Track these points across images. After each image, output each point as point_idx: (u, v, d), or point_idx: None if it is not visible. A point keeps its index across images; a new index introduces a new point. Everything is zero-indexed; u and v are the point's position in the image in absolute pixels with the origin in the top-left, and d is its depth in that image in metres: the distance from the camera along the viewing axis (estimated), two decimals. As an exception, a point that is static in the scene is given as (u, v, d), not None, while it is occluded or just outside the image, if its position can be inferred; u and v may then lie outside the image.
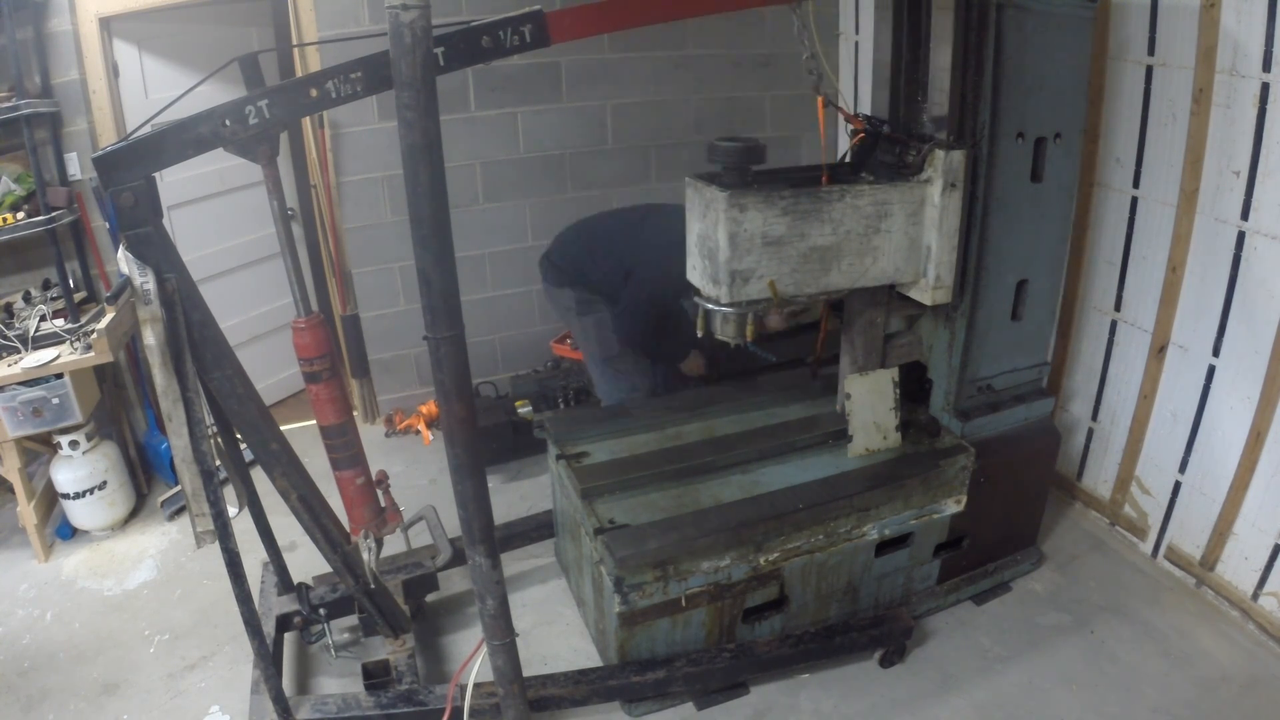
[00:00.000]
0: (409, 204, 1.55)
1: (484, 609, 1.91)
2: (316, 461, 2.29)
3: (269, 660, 2.19)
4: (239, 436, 2.20)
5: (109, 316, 3.12)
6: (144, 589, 3.08)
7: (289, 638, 2.71)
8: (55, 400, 3.04)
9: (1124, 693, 2.48)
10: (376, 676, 2.43)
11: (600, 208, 4.20)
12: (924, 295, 2.43)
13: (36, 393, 3.01)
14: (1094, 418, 3.25)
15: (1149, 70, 2.76)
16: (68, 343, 3.06)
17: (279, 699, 2.20)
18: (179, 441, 1.89)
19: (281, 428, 2.17)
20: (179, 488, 3.46)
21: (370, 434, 4.00)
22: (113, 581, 3.13)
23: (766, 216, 2.17)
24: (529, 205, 4.10)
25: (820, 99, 2.29)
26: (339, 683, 2.60)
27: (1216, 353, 2.70)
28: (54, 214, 3.15)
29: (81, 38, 3.28)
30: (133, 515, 3.50)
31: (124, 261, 1.76)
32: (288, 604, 2.65)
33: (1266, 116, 2.41)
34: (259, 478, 2.32)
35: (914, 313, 2.65)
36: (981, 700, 2.47)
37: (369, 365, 4.12)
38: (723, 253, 2.18)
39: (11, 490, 3.21)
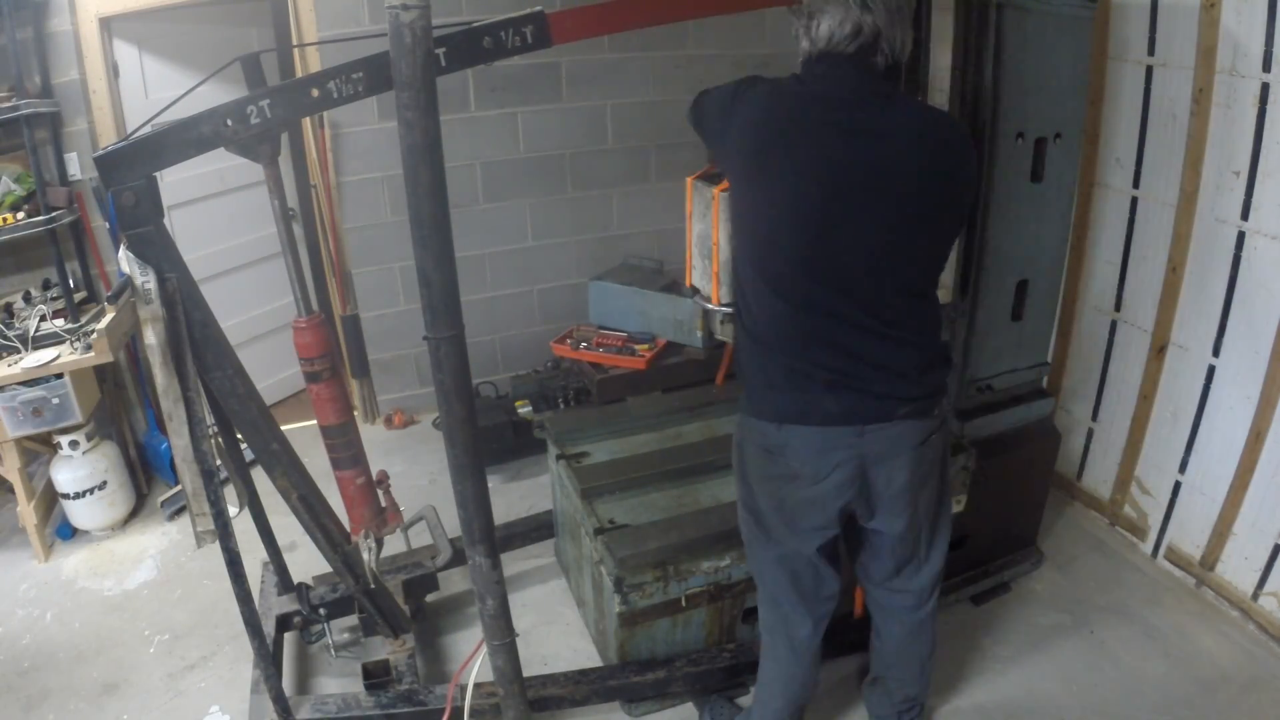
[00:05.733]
0: (409, 204, 1.55)
1: (484, 609, 1.91)
2: (317, 461, 2.29)
3: (269, 660, 2.19)
4: (239, 436, 2.20)
5: (109, 316, 3.12)
6: (144, 589, 3.08)
7: (289, 638, 2.71)
8: (55, 400, 3.04)
9: (1124, 693, 2.48)
10: (376, 676, 2.43)
11: (600, 208, 4.23)
12: (924, 295, 2.43)
13: (36, 393, 3.01)
14: (1094, 418, 3.25)
15: (1149, 70, 2.76)
16: (68, 343, 3.06)
17: (279, 699, 2.20)
18: (180, 441, 1.89)
19: (282, 427, 2.17)
20: (179, 488, 3.47)
21: (371, 434, 4.00)
22: (113, 581, 3.13)
23: (767, 216, 2.17)
24: (529, 205, 4.10)
25: None
26: (339, 683, 2.60)
27: (1216, 353, 2.70)
28: (54, 214, 3.15)
29: (81, 38, 3.28)
30: (133, 515, 3.50)
31: (125, 261, 1.76)
32: (288, 604, 2.65)
33: (1266, 116, 2.41)
34: (259, 477, 2.32)
35: (914, 313, 2.65)
36: (981, 700, 2.47)
37: (369, 365, 4.12)
38: (722, 253, 2.17)
39: (11, 490, 3.21)
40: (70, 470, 3.24)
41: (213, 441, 2.04)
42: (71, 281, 3.27)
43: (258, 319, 4.22)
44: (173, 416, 1.86)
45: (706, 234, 2.23)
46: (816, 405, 1.76)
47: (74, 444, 3.23)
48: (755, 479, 1.92)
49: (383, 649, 2.56)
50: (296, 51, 3.58)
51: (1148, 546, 3.05)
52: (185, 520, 3.45)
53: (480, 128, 3.87)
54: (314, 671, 2.68)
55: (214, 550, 2.02)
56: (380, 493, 2.35)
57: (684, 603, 2.38)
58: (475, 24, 1.79)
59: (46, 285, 3.32)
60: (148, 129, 1.71)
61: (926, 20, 2.35)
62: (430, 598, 2.89)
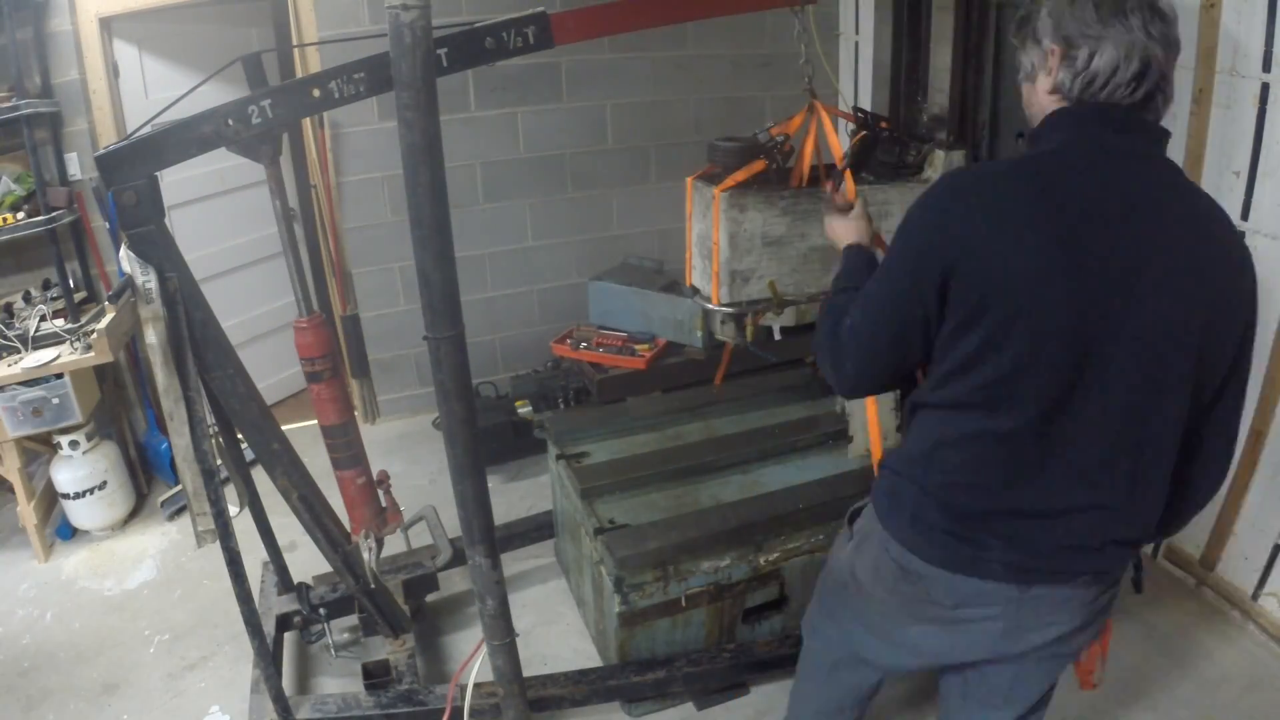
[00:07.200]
0: (409, 204, 1.55)
1: (484, 609, 1.91)
2: (317, 461, 2.29)
3: (269, 660, 2.19)
4: (240, 436, 2.20)
5: (109, 316, 3.12)
6: (144, 589, 3.08)
7: (289, 638, 2.71)
8: (55, 400, 3.04)
9: (1124, 693, 2.47)
10: (376, 676, 2.43)
11: (600, 208, 4.23)
12: (924, 295, 2.43)
13: (36, 393, 3.00)
14: (1094, 418, 3.24)
15: (1149, 71, 2.76)
16: (68, 343, 3.06)
17: (279, 699, 2.20)
18: (180, 440, 1.89)
19: (282, 427, 2.17)
20: (179, 488, 3.47)
21: (371, 433, 4.00)
22: (113, 581, 3.13)
23: (766, 217, 2.17)
24: (529, 205, 4.10)
25: (814, 101, 2.28)
26: (339, 683, 2.60)
27: (1216, 353, 2.70)
28: (54, 214, 3.15)
29: (81, 38, 3.28)
30: (133, 515, 3.50)
31: (126, 260, 1.76)
32: (288, 604, 2.65)
33: (1266, 116, 2.41)
34: (260, 477, 2.32)
35: (914, 313, 2.64)
36: (981, 700, 2.47)
37: (369, 365, 4.12)
38: (722, 253, 2.18)
39: (11, 490, 3.21)
40: (70, 470, 3.24)
41: (213, 441, 2.04)
42: (71, 281, 3.27)
43: (258, 319, 4.22)
44: (173, 416, 1.86)
45: (706, 234, 2.23)
46: (983, 559, 1.36)
47: (74, 444, 3.22)
48: (874, 579, 1.53)
49: (383, 649, 2.56)
50: (296, 51, 3.58)
51: (1147, 546, 3.05)
52: (185, 520, 3.44)
53: (480, 128, 3.87)
54: (314, 671, 2.68)
55: (214, 550, 2.02)
56: (380, 492, 2.35)
57: (684, 603, 2.38)
58: (477, 24, 1.79)
59: (46, 285, 3.32)
60: (149, 129, 1.71)
61: (927, 20, 2.36)
62: (430, 598, 2.89)
